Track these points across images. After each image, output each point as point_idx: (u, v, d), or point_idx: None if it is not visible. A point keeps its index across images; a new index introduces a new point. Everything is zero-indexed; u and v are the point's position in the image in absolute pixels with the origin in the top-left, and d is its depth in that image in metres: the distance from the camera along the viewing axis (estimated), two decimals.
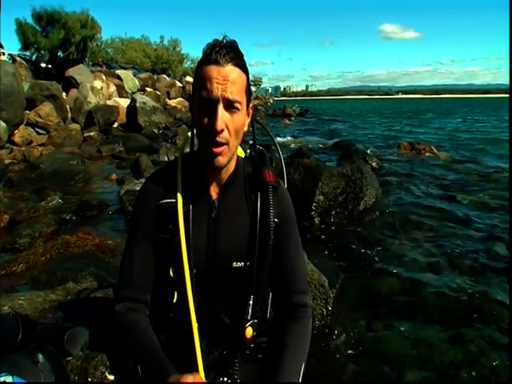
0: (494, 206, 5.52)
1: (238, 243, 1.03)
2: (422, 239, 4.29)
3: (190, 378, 0.83)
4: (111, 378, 1.63)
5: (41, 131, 9.96)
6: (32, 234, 3.97)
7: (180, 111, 18.05)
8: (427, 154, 10.13)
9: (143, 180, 5.55)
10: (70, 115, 11.80)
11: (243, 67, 0.96)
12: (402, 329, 2.66)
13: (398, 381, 2.21)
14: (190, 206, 1.02)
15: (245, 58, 0.98)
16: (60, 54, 16.86)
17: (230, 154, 0.98)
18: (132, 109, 13.23)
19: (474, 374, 2.25)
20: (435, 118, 30.15)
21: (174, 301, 1.06)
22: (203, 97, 0.92)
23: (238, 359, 1.05)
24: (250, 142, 1.18)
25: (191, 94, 1.01)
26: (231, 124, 0.93)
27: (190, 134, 1.13)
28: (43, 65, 16.62)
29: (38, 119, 9.94)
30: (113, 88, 15.52)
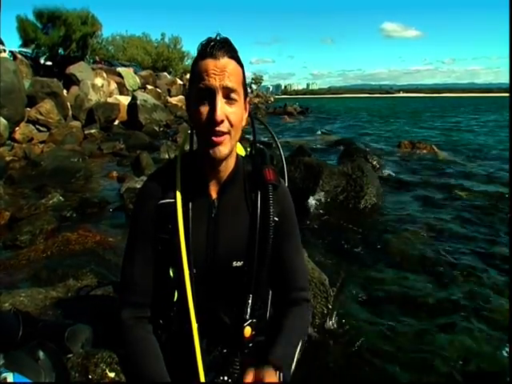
0: (494, 206, 5.52)
1: (238, 243, 1.02)
2: (422, 238, 4.30)
3: None
4: (112, 375, 1.64)
5: (42, 128, 9.95)
6: (33, 231, 3.99)
7: (181, 109, 18.01)
8: (428, 152, 10.13)
9: (144, 178, 5.56)
10: (70, 112, 11.78)
11: (239, 60, 0.97)
12: (403, 327, 2.67)
13: (399, 378, 2.21)
14: (190, 206, 1.01)
15: (240, 55, 0.98)
16: (61, 51, 16.83)
17: (231, 145, 0.96)
18: (133, 106, 13.21)
19: (474, 372, 2.25)
20: (436, 116, 30.12)
21: (174, 300, 1.06)
22: (201, 88, 0.91)
23: (239, 358, 1.05)
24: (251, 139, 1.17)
25: (188, 92, 1.00)
26: (231, 116, 0.93)
27: (189, 131, 1.12)
28: (44, 62, 16.60)
29: (39, 116, 9.93)
30: (113, 85, 15.48)
